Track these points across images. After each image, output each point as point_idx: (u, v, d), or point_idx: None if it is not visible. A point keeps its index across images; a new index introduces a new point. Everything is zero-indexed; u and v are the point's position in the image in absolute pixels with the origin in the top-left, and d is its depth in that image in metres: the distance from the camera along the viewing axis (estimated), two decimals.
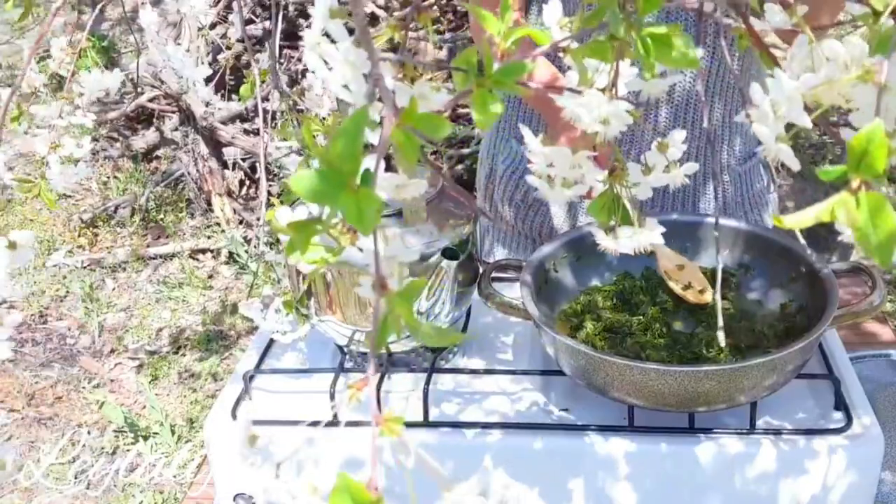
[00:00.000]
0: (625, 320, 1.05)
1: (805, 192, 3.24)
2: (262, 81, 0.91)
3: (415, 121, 0.43)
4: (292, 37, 3.27)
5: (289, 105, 0.97)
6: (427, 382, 1.00)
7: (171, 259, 3.16)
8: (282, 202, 1.07)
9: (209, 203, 3.27)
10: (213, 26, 2.99)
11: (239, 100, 3.02)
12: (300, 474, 1.01)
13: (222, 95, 3.14)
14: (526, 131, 0.60)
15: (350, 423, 1.01)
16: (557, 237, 1.13)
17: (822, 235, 2.81)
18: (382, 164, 0.42)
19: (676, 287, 1.07)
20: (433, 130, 0.43)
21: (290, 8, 3.22)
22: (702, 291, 1.06)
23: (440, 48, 3.27)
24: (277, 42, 0.94)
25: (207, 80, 0.97)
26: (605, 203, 0.59)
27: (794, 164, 0.50)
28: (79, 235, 3.26)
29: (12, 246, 0.64)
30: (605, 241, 0.62)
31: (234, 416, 1.03)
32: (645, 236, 0.61)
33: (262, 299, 1.06)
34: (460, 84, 0.50)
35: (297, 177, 0.39)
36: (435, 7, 3.02)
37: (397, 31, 0.51)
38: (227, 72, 2.93)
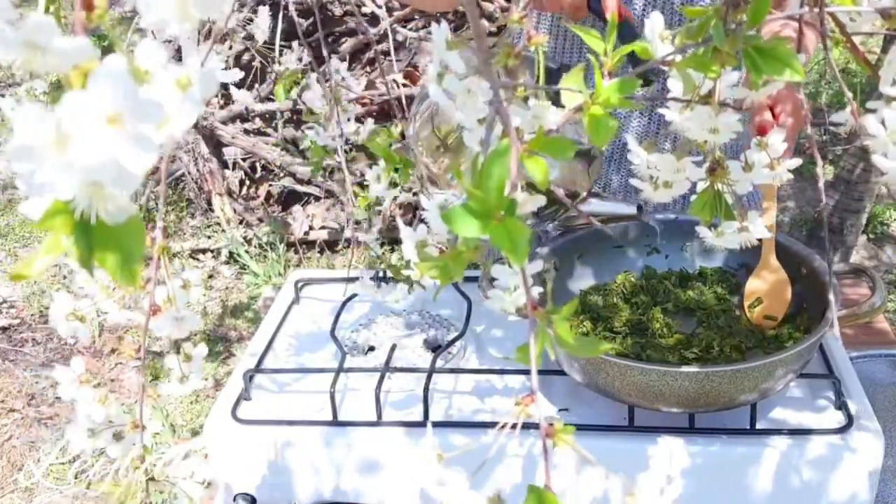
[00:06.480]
0: (626, 320, 1.05)
1: (805, 193, 3.24)
2: (271, 82, 0.91)
3: (542, 146, 0.45)
4: (292, 37, 3.26)
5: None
6: (427, 382, 1.00)
7: (172, 259, 3.16)
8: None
9: (209, 203, 3.27)
10: None
11: (261, 101, 3.03)
12: (299, 474, 1.01)
13: (221, 95, 3.14)
14: (631, 140, 0.60)
15: (350, 424, 1.01)
16: (558, 236, 1.13)
17: (824, 236, 2.80)
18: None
19: (747, 300, 1.06)
20: (560, 153, 0.45)
21: (291, 8, 3.22)
22: (768, 318, 1.05)
23: None
24: (278, 42, 0.93)
25: None
26: (707, 200, 0.60)
27: None
28: None
29: (186, 285, 0.71)
30: (710, 238, 0.62)
31: (234, 416, 1.03)
32: (751, 233, 0.61)
33: (377, 272, 1.06)
34: (567, 101, 0.53)
35: (449, 212, 0.41)
36: None
37: (511, 57, 0.52)
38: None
